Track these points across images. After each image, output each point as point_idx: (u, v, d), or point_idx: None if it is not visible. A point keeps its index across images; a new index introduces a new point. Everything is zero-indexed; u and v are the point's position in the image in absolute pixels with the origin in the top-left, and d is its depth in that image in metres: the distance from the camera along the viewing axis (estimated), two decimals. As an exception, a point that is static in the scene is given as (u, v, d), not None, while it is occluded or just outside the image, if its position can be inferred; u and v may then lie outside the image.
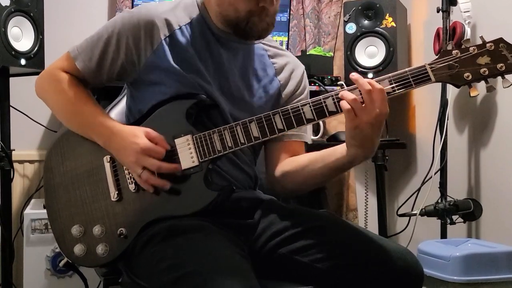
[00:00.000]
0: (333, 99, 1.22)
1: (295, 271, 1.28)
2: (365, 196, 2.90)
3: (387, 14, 2.49)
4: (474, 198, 2.32)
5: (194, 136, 1.28)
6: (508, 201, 2.19)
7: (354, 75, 1.20)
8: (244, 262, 1.14)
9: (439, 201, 2.29)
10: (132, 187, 1.29)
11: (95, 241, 1.29)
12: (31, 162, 2.41)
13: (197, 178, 1.26)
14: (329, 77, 2.51)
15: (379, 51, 2.51)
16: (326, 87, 2.43)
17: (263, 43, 1.47)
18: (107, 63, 1.35)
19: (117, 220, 1.29)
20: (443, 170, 2.37)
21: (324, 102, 1.23)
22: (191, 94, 1.31)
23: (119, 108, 1.60)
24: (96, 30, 1.37)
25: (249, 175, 1.43)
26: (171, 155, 1.27)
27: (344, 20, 2.58)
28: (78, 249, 1.30)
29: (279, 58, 1.48)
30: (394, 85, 1.19)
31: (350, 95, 1.18)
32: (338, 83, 2.50)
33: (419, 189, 2.45)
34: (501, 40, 1.16)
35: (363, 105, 1.17)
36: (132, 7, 2.37)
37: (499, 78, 1.17)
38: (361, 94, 1.17)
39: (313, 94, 1.40)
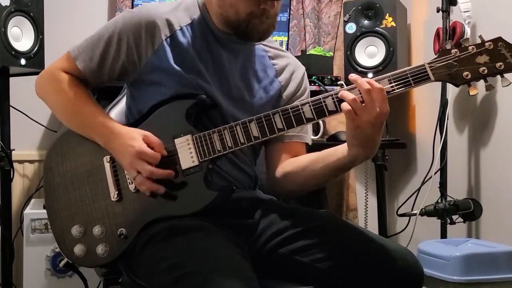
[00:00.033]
0: (333, 98, 1.22)
1: (295, 271, 1.28)
2: (365, 196, 2.90)
3: (387, 14, 2.49)
4: (474, 198, 2.32)
5: (194, 136, 1.27)
6: (508, 201, 2.19)
7: (352, 76, 1.20)
8: (244, 262, 1.14)
9: (439, 201, 2.29)
10: (132, 187, 1.29)
11: (95, 241, 1.29)
12: (31, 162, 2.41)
13: (197, 178, 1.26)
14: (329, 77, 2.51)
15: (379, 51, 2.51)
16: (326, 87, 2.43)
17: (264, 44, 1.47)
18: (108, 63, 1.35)
19: (117, 220, 1.29)
20: (443, 170, 2.37)
21: (324, 101, 1.23)
22: (191, 94, 1.31)
23: (119, 108, 1.60)
24: (97, 30, 1.37)
25: (249, 175, 1.43)
26: (171, 155, 1.27)
27: (344, 20, 2.58)
28: (78, 249, 1.30)
29: (280, 59, 1.48)
30: (393, 84, 1.19)
31: (350, 95, 1.18)
32: (338, 83, 2.50)
33: (419, 189, 2.45)
34: (500, 39, 1.16)
35: (363, 104, 1.17)
36: (132, 7, 2.37)
37: (498, 77, 1.17)
38: (360, 94, 1.17)
39: (313, 94, 1.40)
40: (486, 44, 1.16)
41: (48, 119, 2.44)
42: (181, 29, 1.35)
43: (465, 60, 1.17)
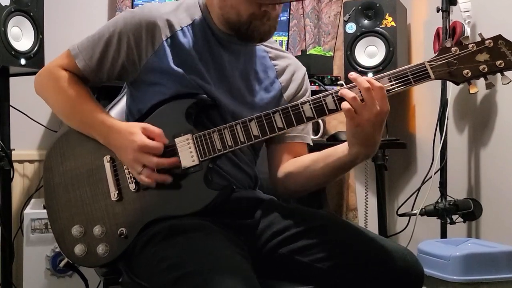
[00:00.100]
0: (333, 97, 1.22)
1: (295, 271, 1.28)
2: (365, 196, 2.90)
3: (387, 14, 2.49)
4: (474, 198, 2.32)
5: (194, 135, 1.27)
6: (508, 201, 2.19)
7: (352, 74, 1.20)
8: (244, 262, 1.14)
9: (439, 200, 2.29)
10: (132, 186, 1.29)
11: (95, 241, 1.29)
12: (31, 162, 2.41)
13: (197, 177, 1.26)
14: (329, 77, 2.51)
15: (379, 51, 2.51)
16: (326, 86, 2.43)
17: (265, 45, 1.47)
18: (107, 62, 1.35)
19: (117, 220, 1.29)
20: (443, 170, 2.37)
21: (324, 100, 1.23)
22: (191, 94, 1.31)
23: (119, 107, 1.60)
24: (97, 29, 1.37)
25: (249, 175, 1.43)
26: (171, 154, 1.27)
27: (344, 20, 2.58)
28: (78, 249, 1.30)
29: (281, 60, 1.48)
30: (393, 82, 1.19)
31: (350, 93, 1.18)
32: (338, 82, 2.50)
33: (419, 189, 2.45)
34: (500, 37, 1.16)
35: (363, 103, 1.17)
36: (132, 7, 2.37)
37: (498, 75, 1.17)
38: (360, 92, 1.17)
39: (313, 93, 1.40)
40: (486, 42, 1.16)
41: (48, 119, 2.44)
42: (181, 29, 1.35)
43: (465, 58, 1.17)
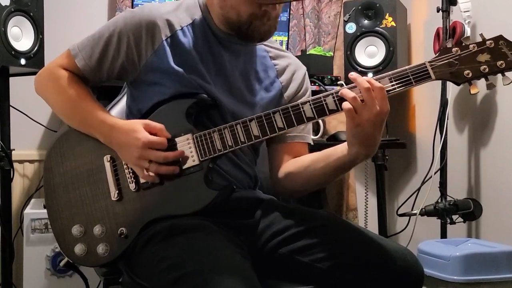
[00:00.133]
0: (333, 97, 1.22)
1: (295, 271, 1.28)
2: (365, 196, 2.90)
3: (387, 14, 2.49)
4: (474, 198, 2.32)
5: (194, 135, 1.27)
6: (508, 201, 2.19)
7: (352, 74, 1.20)
8: (244, 262, 1.14)
9: (439, 200, 2.29)
10: (132, 186, 1.29)
11: (95, 241, 1.29)
12: (31, 162, 2.41)
13: (198, 177, 1.26)
14: (329, 77, 2.51)
15: (379, 51, 2.51)
16: (326, 87, 2.43)
17: (265, 45, 1.47)
18: (107, 62, 1.35)
19: (117, 220, 1.29)
20: (443, 170, 2.37)
21: (324, 100, 1.23)
22: (191, 94, 1.31)
23: (119, 107, 1.60)
24: (97, 28, 1.37)
25: (249, 175, 1.43)
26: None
27: (344, 20, 2.58)
28: (78, 249, 1.30)
29: (281, 60, 1.48)
30: (394, 82, 1.19)
31: (350, 93, 1.18)
32: (338, 82, 2.50)
33: (419, 189, 2.45)
34: (501, 37, 1.16)
35: (363, 103, 1.17)
36: (132, 7, 2.37)
37: (499, 75, 1.17)
38: (360, 92, 1.17)
39: (313, 94, 1.40)
40: (487, 42, 1.16)
41: (48, 119, 2.44)
42: (181, 29, 1.35)
43: (466, 59, 1.17)
